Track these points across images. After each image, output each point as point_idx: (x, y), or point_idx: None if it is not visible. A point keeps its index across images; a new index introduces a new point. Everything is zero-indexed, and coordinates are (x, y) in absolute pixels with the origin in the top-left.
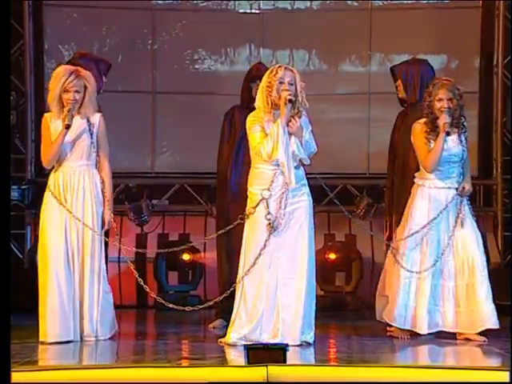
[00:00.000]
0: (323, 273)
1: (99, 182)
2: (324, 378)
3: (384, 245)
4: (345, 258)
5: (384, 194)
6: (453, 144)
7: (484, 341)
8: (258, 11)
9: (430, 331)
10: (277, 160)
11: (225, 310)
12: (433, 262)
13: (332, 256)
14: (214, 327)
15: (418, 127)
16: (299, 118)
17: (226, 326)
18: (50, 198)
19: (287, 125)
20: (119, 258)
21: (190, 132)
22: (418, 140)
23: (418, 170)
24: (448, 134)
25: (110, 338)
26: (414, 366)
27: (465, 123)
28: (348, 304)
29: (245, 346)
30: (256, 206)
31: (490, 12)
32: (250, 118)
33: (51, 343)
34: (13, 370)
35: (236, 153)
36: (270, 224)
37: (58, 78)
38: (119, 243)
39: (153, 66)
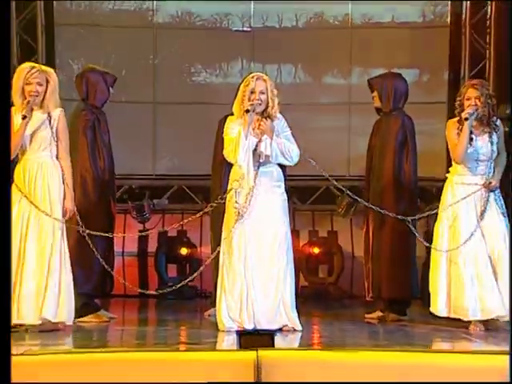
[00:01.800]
0: (308, 265)
1: (60, 173)
2: (309, 361)
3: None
4: (327, 252)
5: (363, 193)
6: (482, 143)
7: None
8: (249, 29)
9: (474, 318)
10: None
11: None
12: (465, 249)
13: (316, 250)
14: (209, 315)
15: (450, 124)
16: (272, 120)
17: None
18: (15, 190)
19: (259, 125)
20: (123, 251)
21: (187, 138)
22: (449, 135)
23: (392, 172)
24: (466, 119)
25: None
26: (393, 350)
27: (497, 123)
28: (330, 294)
29: (237, 332)
30: (226, 195)
31: (457, 31)
32: (227, 123)
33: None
34: (18, 354)
35: None
36: (237, 212)
37: (21, 71)
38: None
39: (154, 78)
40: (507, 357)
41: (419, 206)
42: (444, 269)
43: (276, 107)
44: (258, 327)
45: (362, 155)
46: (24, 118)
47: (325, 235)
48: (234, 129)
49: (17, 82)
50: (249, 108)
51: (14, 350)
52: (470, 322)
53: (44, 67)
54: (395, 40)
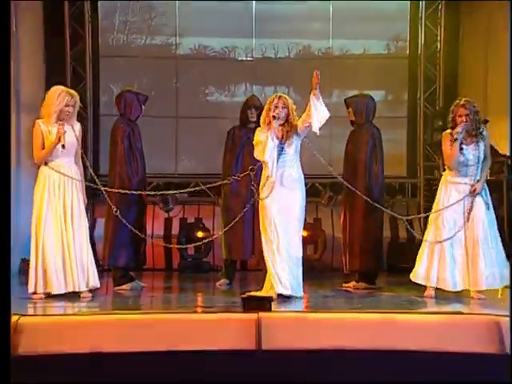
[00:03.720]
0: None
1: (79, 172)
2: (299, 320)
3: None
4: (313, 234)
5: (342, 188)
6: (469, 152)
7: (483, 298)
8: (251, 59)
9: (454, 289)
10: (264, 160)
11: (227, 273)
12: (450, 235)
13: (304, 233)
14: (220, 285)
15: (445, 136)
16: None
17: (229, 284)
18: (49, 181)
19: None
20: (152, 235)
21: (202, 145)
22: (444, 146)
23: (364, 172)
24: (455, 140)
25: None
26: (365, 311)
27: (483, 133)
28: (315, 268)
29: (241, 297)
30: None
31: (414, 60)
32: (256, 131)
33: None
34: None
35: (236, 160)
36: (253, 191)
37: (61, 97)
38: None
39: (176, 98)
40: (444, 316)
41: (385, 198)
42: (429, 248)
43: (296, 117)
44: (291, 293)
45: (341, 158)
46: (63, 147)
47: (311, 222)
48: (261, 135)
49: (58, 102)
50: (275, 115)
51: (69, 311)
52: (425, 289)
53: (72, 92)
54: (366, 68)
